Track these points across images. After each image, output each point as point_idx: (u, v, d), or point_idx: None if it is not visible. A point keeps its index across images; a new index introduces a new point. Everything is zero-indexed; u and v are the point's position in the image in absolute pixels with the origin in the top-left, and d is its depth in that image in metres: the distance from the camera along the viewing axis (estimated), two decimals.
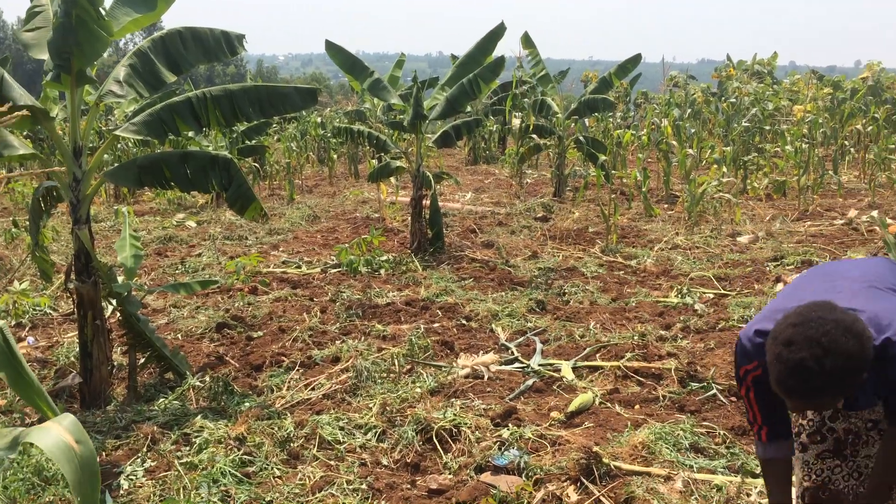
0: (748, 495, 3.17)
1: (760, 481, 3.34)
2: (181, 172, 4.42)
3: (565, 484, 3.44)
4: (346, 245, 7.71)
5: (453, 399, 4.47)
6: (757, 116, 12.94)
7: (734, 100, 13.75)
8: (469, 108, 15.61)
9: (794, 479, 2.44)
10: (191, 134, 10.84)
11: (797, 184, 10.80)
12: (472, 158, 17.29)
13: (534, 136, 11.86)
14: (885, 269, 2.19)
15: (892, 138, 13.04)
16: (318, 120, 16.94)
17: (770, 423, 2.25)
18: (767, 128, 13.01)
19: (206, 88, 4.66)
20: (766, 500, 3.11)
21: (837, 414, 2.28)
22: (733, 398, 4.45)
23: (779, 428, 2.25)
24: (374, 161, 12.78)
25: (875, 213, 8.29)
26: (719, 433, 3.98)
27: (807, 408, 1.99)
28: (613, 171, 11.60)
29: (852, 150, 14.81)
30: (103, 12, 4.08)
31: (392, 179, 10.61)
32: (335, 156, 15.85)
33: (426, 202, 8.37)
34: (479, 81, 7.99)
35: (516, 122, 12.37)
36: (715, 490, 3.31)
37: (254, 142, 12.95)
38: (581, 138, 11.22)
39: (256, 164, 13.47)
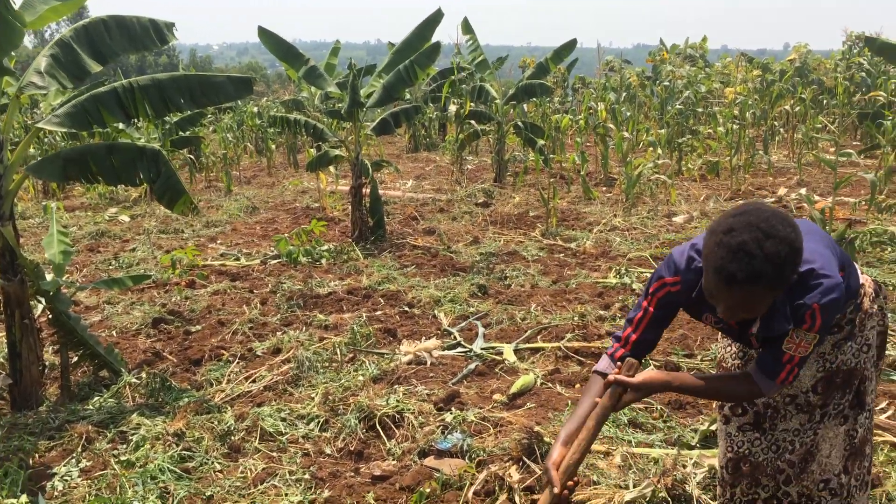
0: (684, 466, 3.25)
1: (696, 452, 3.44)
2: (107, 165, 4.29)
3: (508, 464, 3.47)
4: (286, 235, 7.62)
5: (396, 386, 4.47)
6: (690, 99, 13.21)
7: (668, 83, 14.01)
8: (408, 96, 15.58)
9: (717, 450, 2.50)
10: (121, 126, 10.54)
11: (729, 164, 11.08)
12: (412, 146, 17.24)
13: (472, 122, 11.88)
14: (818, 230, 2.26)
15: (819, 118, 13.48)
16: (255, 110, 16.65)
17: (638, 343, 2.26)
18: (700, 110, 13.30)
19: (134, 78, 4.52)
20: (696, 468, 3.21)
21: None
22: None
23: (637, 349, 2.27)
24: (312, 151, 12.63)
25: (803, 191, 8.54)
26: (657, 408, 4.07)
27: (739, 310, 1.97)
28: (552, 156, 11.73)
29: (781, 130, 15.25)
30: (18, 1, 3.93)
31: (332, 169, 10.51)
32: (273, 146, 15.62)
33: (366, 191, 8.32)
34: (416, 68, 7.95)
35: (454, 108, 12.36)
36: (652, 463, 3.39)
37: (188, 133, 12.67)
38: (520, 123, 11.29)
39: (191, 156, 13.18)
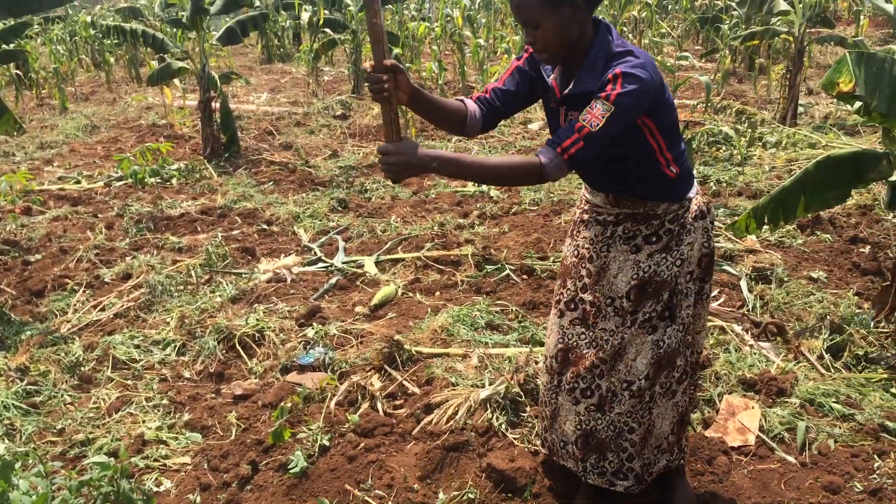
0: (536, 362, 3.42)
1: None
2: None
3: (370, 373, 3.54)
4: (129, 155, 7.18)
5: (256, 305, 4.41)
6: None
7: None
8: (257, 2, 14.76)
9: (547, 342, 2.64)
10: None
11: None
12: (265, 57, 16.46)
13: (328, 30, 11.47)
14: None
15: (663, 23, 13.95)
16: (88, 19, 15.30)
17: (496, 91, 2.40)
18: None
19: None
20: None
21: (586, 287, 2.47)
22: (524, 276, 4.74)
23: (494, 98, 2.40)
24: (155, 63, 11.83)
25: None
26: (512, 310, 4.24)
27: (520, 15, 2.12)
28: (410, 65, 11.56)
29: (630, 35, 15.70)
30: None
31: (177, 83, 9.91)
32: (112, 59, 14.48)
33: (216, 105, 7.92)
34: None
35: (307, 16, 11.86)
36: (507, 361, 3.55)
37: (11, 46, 11.49)
38: None
39: (18, 72, 12.03)
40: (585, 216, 2.53)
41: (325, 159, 7.87)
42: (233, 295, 4.53)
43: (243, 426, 3.28)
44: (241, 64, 15.64)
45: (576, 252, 2.52)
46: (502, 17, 16.14)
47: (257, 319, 4.07)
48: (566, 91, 2.22)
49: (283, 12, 15.30)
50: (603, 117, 2.06)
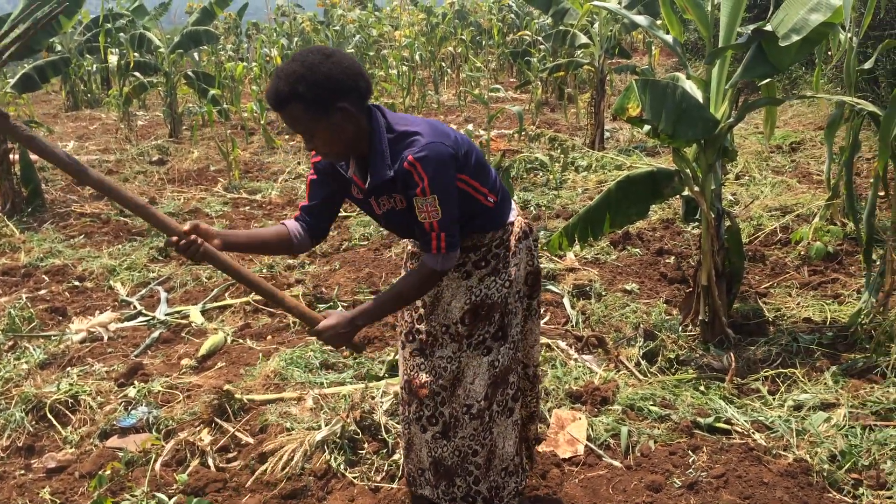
0: (372, 398, 3.41)
1: (383, 382, 3.62)
2: None
3: (199, 428, 3.37)
4: None
5: (69, 368, 4.09)
6: (363, 42, 13.49)
7: (339, 28, 14.14)
8: (59, 47, 13.90)
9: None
10: None
11: (403, 105, 11.57)
12: (71, 103, 15.49)
13: (137, 74, 10.99)
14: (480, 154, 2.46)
15: (479, 58, 14.59)
16: None
17: (306, 208, 2.43)
18: (372, 53, 13.66)
19: None
20: (383, 397, 3.40)
21: (421, 318, 2.51)
22: None
23: (309, 215, 2.43)
24: None
25: (470, 127, 9.25)
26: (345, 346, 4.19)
27: (305, 136, 2.14)
28: (229, 106, 11.30)
29: (448, 70, 16.26)
30: None
31: None
32: None
33: (14, 157, 7.34)
34: (58, 15, 7.10)
35: (114, 59, 11.30)
36: (343, 399, 3.50)
37: None
38: (190, 73, 10.68)
39: None
40: (416, 249, 2.58)
41: None
42: (42, 360, 4.17)
43: (59, 501, 3.01)
44: (45, 112, 14.64)
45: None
46: None
47: (70, 384, 3.77)
48: (367, 185, 2.26)
49: (87, 56, 14.49)
50: (435, 207, 2.17)
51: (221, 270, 2.23)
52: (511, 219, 2.49)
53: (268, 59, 13.08)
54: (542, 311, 4.58)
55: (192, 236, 2.14)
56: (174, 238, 2.14)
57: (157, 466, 3.08)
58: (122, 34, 10.73)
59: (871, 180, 4.21)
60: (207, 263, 2.20)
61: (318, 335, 2.33)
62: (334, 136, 2.13)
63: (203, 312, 4.84)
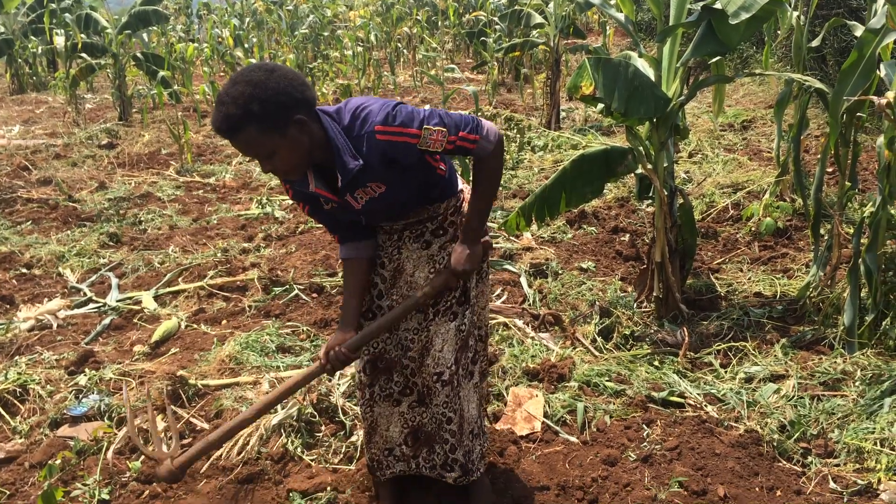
0: (329, 380, 3.39)
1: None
2: None
3: (154, 414, 3.31)
4: None
5: (17, 357, 3.98)
6: (317, 23, 13.30)
7: (292, 8, 13.92)
8: (2, 28, 13.45)
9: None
10: None
11: (359, 86, 11.46)
12: (16, 87, 15.00)
13: (84, 55, 10.69)
14: None
15: (435, 38, 14.49)
16: None
17: (336, 232, 2.47)
18: (327, 34, 13.48)
19: None
20: (340, 379, 3.38)
21: (381, 294, 2.51)
22: (314, 294, 4.68)
23: (345, 234, 2.45)
24: None
25: (427, 107, 9.20)
26: (303, 329, 4.17)
27: (263, 159, 2.06)
28: (180, 88, 11.07)
29: (404, 51, 16.13)
30: None
31: None
32: None
33: None
34: None
35: (60, 40, 10.97)
36: None
37: None
38: (139, 55, 10.42)
39: None
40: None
41: (91, 192, 7.30)
42: None
43: (8, 492, 2.94)
44: None
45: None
46: (276, 35, 15.93)
47: (18, 373, 3.67)
48: (340, 185, 2.19)
49: (32, 37, 14.04)
50: (436, 131, 2.14)
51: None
52: (460, 186, 2.54)
53: (220, 39, 12.84)
54: (496, 291, 4.59)
55: (324, 360, 2.39)
56: (323, 372, 2.41)
57: (110, 455, 3.03)
58: (67, 14, 10.38)
59: (819, 157, 4.29)
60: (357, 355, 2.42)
61: (463, 274, 2.37)
62: (294, 152, 2.06)
63: (156, 298, 4.75)
